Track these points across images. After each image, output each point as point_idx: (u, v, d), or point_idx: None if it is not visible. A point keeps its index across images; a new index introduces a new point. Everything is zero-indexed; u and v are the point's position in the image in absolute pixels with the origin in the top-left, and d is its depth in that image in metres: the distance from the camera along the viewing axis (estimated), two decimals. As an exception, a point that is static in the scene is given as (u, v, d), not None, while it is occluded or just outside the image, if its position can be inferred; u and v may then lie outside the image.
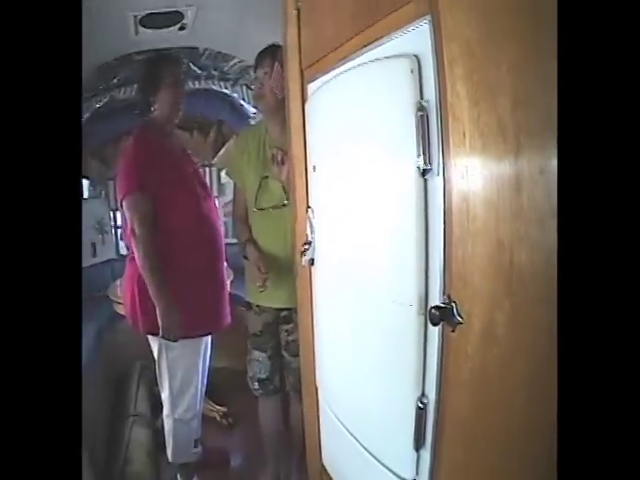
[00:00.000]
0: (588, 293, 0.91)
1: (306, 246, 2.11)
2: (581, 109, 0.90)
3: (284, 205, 2.79)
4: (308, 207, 2.13)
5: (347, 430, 1.88)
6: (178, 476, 3.22)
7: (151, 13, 3.31)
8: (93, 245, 5.65)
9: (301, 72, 2.12)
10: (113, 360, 4.69)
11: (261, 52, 2.87)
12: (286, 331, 3.00)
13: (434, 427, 1.37)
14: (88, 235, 5.55)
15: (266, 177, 2.87)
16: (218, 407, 4.28)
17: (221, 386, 4.40)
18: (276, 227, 2.85)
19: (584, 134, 0.90)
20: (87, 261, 5.48)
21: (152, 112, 2.90)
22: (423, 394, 1.38)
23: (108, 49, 3.88)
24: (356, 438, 1.79)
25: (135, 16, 3.31)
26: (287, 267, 2.70)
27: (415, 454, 1.43)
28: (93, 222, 5.62)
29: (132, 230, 2.66)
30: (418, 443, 1.41)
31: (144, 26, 3.49)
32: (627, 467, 0.87)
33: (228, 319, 3.06)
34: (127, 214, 2.70)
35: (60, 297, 1.11)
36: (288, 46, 2.19)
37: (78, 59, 1.18)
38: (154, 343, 2.93)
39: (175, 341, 2.71)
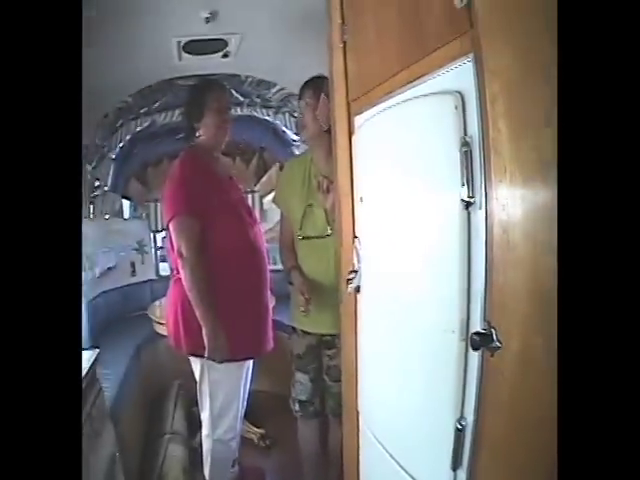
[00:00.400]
0: (588, 302, 0.97)
1: (352, 274, 2.16)
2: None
3: (327, 235, 2.89)
4: (355, 237, 2.17)
5: (386, 451, 1.91)
6: None
7: (195, 40, 3.39)
8: (132, 265, 5.78)
9: (347, 104, 2.18)
10: (151, 378, 4.79)
11: (305, 83, 2.97)
12: (328, 356, 3.07)
13: (471, 448, 1.41)
14: (128, 255, 5.68)
15: (310, 205, 2.98)
16: (256, 429, 4.34)
17: (260, 409, 4.45)
18: (319, 255, 2.97)
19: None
20: (126, 280, 5.64)
21: (197, 137, 3.00)
22: (462, 416, 1.43)
23: (151, 73, 3.97)
24: (395, 459, 1.83)
25: (179, 42, 3.39)
26: (330, 293, 2.77)
27: (452, 474, 1.48)
28: (133, 242, 5.73)
29: (179, 252, 2.72)
30: (455, 463, 1.46)
31: (188, 52, 3.57)
32: (627, 468, 0.91)
33: (271, 344, 3.11)
34: (174, 236, 2.76)
35: (60, 302, 1.12)
36: (334, 78, 2.24)
37: (78, 66, 1.22)
38: (196, 364, 2.99)
39: (220, 362, 2.76)
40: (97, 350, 2.77)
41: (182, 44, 3.45)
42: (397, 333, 1.84)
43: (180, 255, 2.72)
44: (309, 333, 3.14)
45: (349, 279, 2.18)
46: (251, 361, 3.15)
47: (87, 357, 2.63)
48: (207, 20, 3.07)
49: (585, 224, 0.98)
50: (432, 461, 1.60)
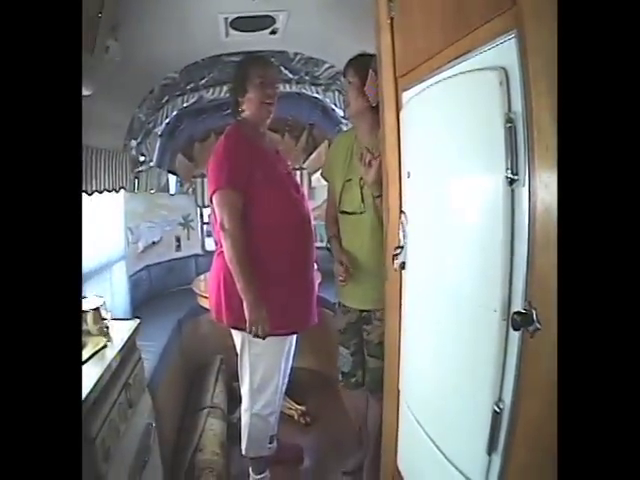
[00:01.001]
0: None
1: (398, 250, 2.19)
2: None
3: (361, 213, 2.99)
4: (401, 212, 2.20)
5: (424, 431, 1.96)
6: (250, 469, 3.34)
7: (242, 16, 3.39)
8: (178, 239, 5.92)
9: (395, 80, 2.20)
10: (192, 352, 4.89)
11: (349, 62, 3.03)
12: (366, 331, 3.16)
13: (507, 432, 1.43)
14: (173, 230, 5.80)
15: (349, 180, 3.08)
16: (297, 406, 4.41)
17: (301, 385, 4.54)
18: (355, 231, 3.13)
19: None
20: (171, 255, 5.78)
21: (241, 112, 3.06)
22: (500, 399, 1.45)
23: (198, 50, 4.00)
24: (432, 439, 1.87)
25: (226, 18, 3.40)
26: (365, 270, 3.05)
27: (487, 458, 1.50)
28: (179, 217, 5.84)
29: (221, 224, 2.77)
30: (491, 447, 1.48)
31: (235, 29, 3.58)
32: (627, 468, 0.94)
33: (315, 319, 3.16)
34: (217, 209, 2.81)
35: (60, 293, 1.13)
36: (382, 55, 2.26)
37: (78, 55, 1.24)
38: (237, 337, 3.06)
39: (262, 337, 2.80)
40: (138, 320, 2.87)
41: (229, 21, 3.45)
42: (439, 310, 1.87)
43: (222, 227, 2.78)
44: (349, 309, 3.27)
45: (395, 255, 2.21)
46: (294, 336, 3.21)
47: (127, 327, 2.74)
48: (254, -4, 3.07)
49: (586, 224, 1.03)
50: (467, 443, 1.63)
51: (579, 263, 1.04)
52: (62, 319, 1.12)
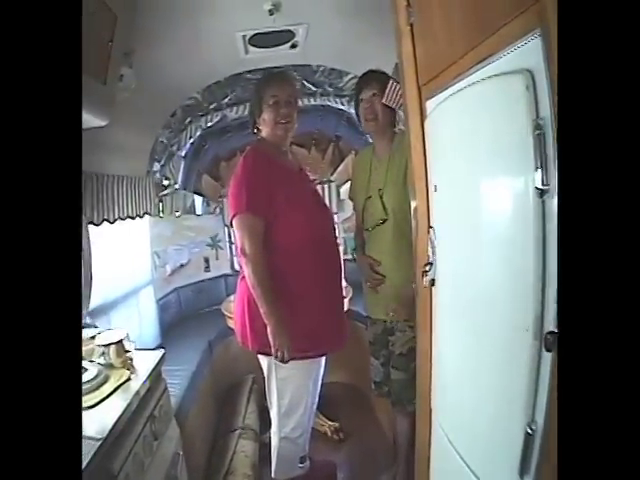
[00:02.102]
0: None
1: (427, 267, 2.14)
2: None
3: (383, 221, 3.03)
4: (430, 227, 2.15)
5: (456, 451, 1.91)
6: None
7: (261, 33, 3.38)
8: (206, 260, 5.91)
9: (418, 89, 2.16)
10: (224, 373, 4.88)
11: (359, 79, 3.15)
12: (390, 342, 3.19)
13: (539, 454, 1.38)
14: (202, 251, 5.81)
15: (369, 197, 3.09)
16: (329, 422, 4.37)
17: (334, 400, 4.52)
18: (377, 241, 3.18)
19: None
20: (200, 276, 5.77)
21: (259, 132, 3.04)
22: (533, 420, 1.40)
23: (217, 69, 4.01)
24: (464, 460, 1.82)
25: (244, 36, 3.39)
26: (389, 280, 3.11)
27: (519, 480, 1.45)
28: (206, 238, 5.85)
29: (242, 250, 2.73)
30: (523, 469, 1.43)
31: (254, 45, 3.57)
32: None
33: (344, 340, 3.10)
34: (237, 233, 2.78)
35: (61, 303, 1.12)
36: (404, 61, 2.22)
37: (78, 67, 1.22)
38: (264, 361, 3.01)
39: (286, 362, 2.75)
40: (162, 350, 2.84)
41: (247, 38, 3.44)
42: (470, 329, 1.82)
43: (243, 253, 2.75)
44: (375, 320, 3.33)
45: (424, 271, 2.16)
46: (323, 358, 3.15)
47: (152, 357, 2.71)
48: (271, 12, 3.04)
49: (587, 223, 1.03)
50: (499, 465, 1.59)
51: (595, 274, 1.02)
52: (60, 349, 1.11)
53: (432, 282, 2.14)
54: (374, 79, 2.99)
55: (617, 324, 0.99)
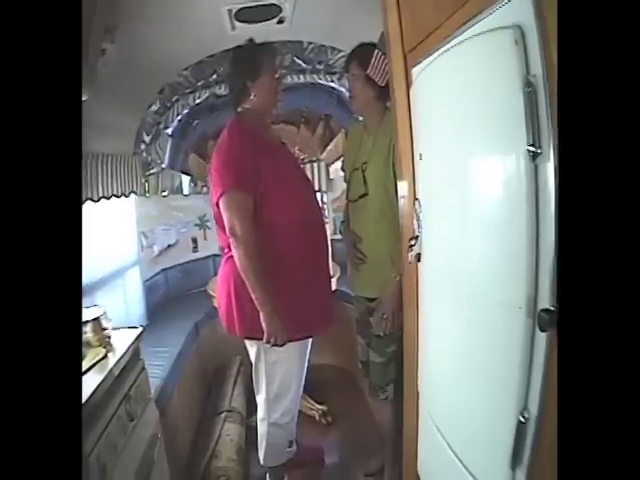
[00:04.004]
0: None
1: (413, 241, 2.06)
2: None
3: (363, 195, 2.96)
4: (415, 199, 2.07)
5: (444, 440, 1.84)
6: (267, 476, 3.24)
7: (247, 7, 3.27)
8: (194, 241, 5.87)
9: (404, 56, 2.09)
10: (210, 354, 4.86)
11: (349, 54, 3.05)
12: (370, 322, 3.07)
13: (532, 445, 1.30)
14: (189, 231, 5.77)
15: (355, 170, 3.03)
16: (318, 406, 4.29)
17: (322, 383, 4.47)
18: (359, 216, 3.06)
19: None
20: (187, 257, 5.75)
21: (250, 99, 2.84)
22: (525, 407, 1.31)
23: (204, 46, 3.92)
24: (452, 449, 1.75)
25: (230, 10, 3.28)
26: (371, 256, 2.98)
27: (510, 473, 1.37)
28: (194, 218, 5.79)
29: (231, 231, 2.59)
30: (515, 461, 1.35)
31: (241, 21, 3.47)
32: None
33: (331, 320, 3.02)
34: (225, 213, 2.62)
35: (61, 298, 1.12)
36: (390, 31, 2.14)
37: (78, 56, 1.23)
38: (251, 347, 2.92)
39: (281, 346, 2.66)
40: (140, 328, 2.74)
41: (233, 13, 3.34)
42: (459, 307, 1.73)
43: (233, 234, 2.59)
44: (359, 299, 3.22)
45: (410, 246, 2.09)
46: (310, 339, 3.06)
47: (131, 335, 2.62)
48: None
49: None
50: (489, 456, 1.51)
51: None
52: (62, 327, 1.12)
53: (418, 257, 2.06)
54: (361, 53, 2.87)
55: (620, 302, 0.94)
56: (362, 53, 2.83)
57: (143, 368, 2.69)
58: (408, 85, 2.08)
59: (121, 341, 2.52)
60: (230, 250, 2.68)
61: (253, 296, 2.59)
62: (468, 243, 1.61)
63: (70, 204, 1.15)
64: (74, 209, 1.18)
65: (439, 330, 1.95)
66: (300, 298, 2.78)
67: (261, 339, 2.66)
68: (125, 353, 2.44)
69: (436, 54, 1.73)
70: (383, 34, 2.30)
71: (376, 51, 2.64)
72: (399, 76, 2.13)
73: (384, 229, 2.78)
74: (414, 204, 2.06)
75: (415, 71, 1.98)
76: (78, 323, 1.34)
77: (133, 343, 2.57)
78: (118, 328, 2.65)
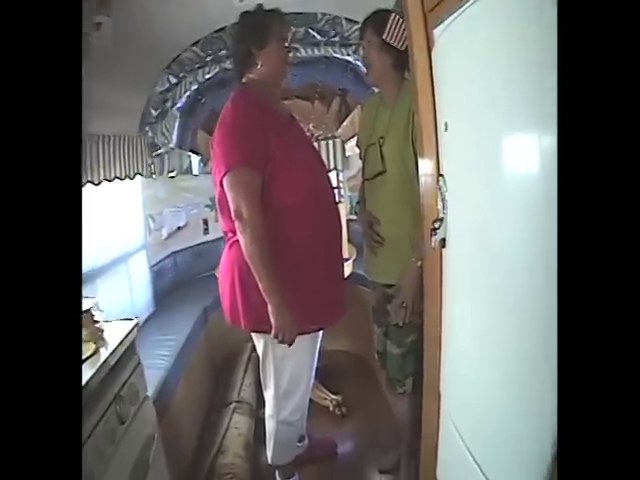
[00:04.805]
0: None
1: (436, 223, 1.87)
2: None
3: (380, 173, 2.76)
4: (439, 175, 1.88)
5: (467, 448, 1.69)
6: (276, 473, 3.11)
7: None
8: (205, 222, 5.86)
9: (424, 16, 1.91)
10: (219, 341, 4.73)
11: (364, 21, 2.84)
12: (388, 311, 2.91)
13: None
14: (200, 213, 5.70)
15: (371, 144, 2.83)
16: (332, 396, 4.13)
17: (337, 370, 4.40)
18: (376, 195, 2.88)
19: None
20: (198, 239, 5.78)
21: (256, 68, 2.65)
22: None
23: (210, 20, 3.79)
24: (475, 460, 1.60)
25: (236, -20, 3.13)
26: (389, 239, 2.79)
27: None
28: (205, 199, 5.69)
29: (237, 213, 2.40)
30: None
31: (248, -9, 3.34)
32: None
33: (344, 310, 2.85)
34: (230, 193, 2.43)
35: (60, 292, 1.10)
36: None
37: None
38: (258, 340, 2.76)
39: (289, 344, 2.49)
40: (135, 320, 2.56)
41: None
42: (489, 300, 1.53)
43: (239, 217, 2.39)
44: (376, 285, 3.04)
45: (433, 229, 1.89)
46: (321, 331, 2.92)
47: (125, 328, 2.45)
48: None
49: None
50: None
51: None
52: (61, 317, 1.10)
53: (442, 242, 1.86)
54: (376, 19, 2.69)
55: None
56: (377, 18, 2.65)
57: (138, 364, 2.52)
58: (429, 48, 1.88)
59: (115, 335, 2.34)
60: (235, 235, 2.50)
61: (260, 286, 2.41)
62: (502, 226, 1.40)
63: (69, 188, 1.14)
64: (73, 193, 1.16)
65: (465, 324, 1.77)
66: (311, 287, 2.60)
67: (268, 332, 2.48)
68: (117, 348, 2.26)
69: (460, 10, 1.50)
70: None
71: (393, 14, 2.48)
72: (419, 39, 1.93)
73: (403, 210, 2.62)
74: (438, 182, 1.86)
75: (437, 32, 1.78)
76: (78, 313, 1.39)
77: (127, 337, 2.39)
78: (110, 321, 2.47)
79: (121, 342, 2.31)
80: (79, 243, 1.25)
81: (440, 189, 1.83)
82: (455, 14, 1.56)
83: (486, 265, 1.51)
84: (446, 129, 1.76)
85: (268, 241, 2.41)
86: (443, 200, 1.81)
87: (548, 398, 1.10)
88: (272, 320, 2.42)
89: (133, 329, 2.47)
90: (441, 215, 1.84)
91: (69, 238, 1.13)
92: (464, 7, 1.47)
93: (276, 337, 2.45)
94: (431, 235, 1.90)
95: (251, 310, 2.55)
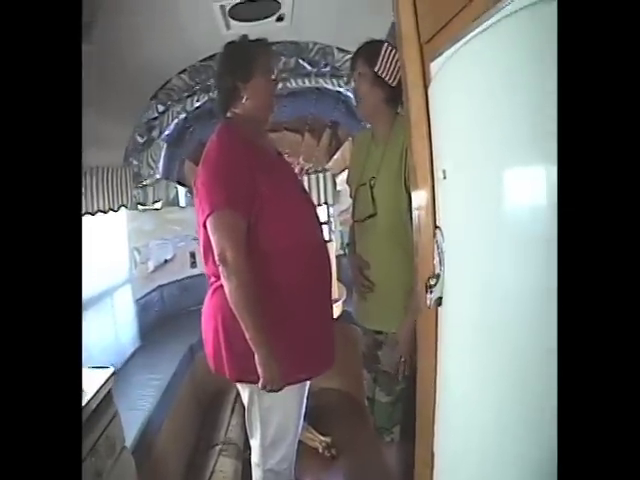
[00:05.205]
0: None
1: (433, 280, 1.74)
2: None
3: (371, 216, 2.68)
4: (436, 227, 1.76)
5: None
6: None
7: (241, 2, 3.09)
8: (192, 255, 5.84)
9: (420, 48, 1.82)
10: (205, 379, 4.59)
11: (356, 52, 2.78)
12: (378, 357, 2.86)
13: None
14: (188, 245, 5.78)
15: (362, 185, 2.78)
16: (321, 437, 4.10)
17: (326, 410, 4.39)
18: (366, 239, 2.83)
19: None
20: (185, 272, 5.78)
21: (241, 103, 2.57)
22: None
23: (197, 48, 3.76)
24: None
25: (222, 7, 3.09)
26: (378, 284, 2.72)
27: None
28: (192, 232, 5.57)
29: (222, 258, 2.30)
30: None
31: (236, 19, 3.30)
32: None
33: (333, 359, 2.75)
34: (214, 236, 2.33)
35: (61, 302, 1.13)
36: (401, 19, 1.87)
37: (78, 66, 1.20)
38: (244, 389, 2.63)
39: (277, 391, 2.38)
40: (111, 369, 2.51)
41: (227, 9, 3.17)
42: (489, 362, 1.40)
43: (223, 261, 2.29)
44: (366, 331, 2.95)
45: (429, 286, 1.76)
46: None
47: (101, 377, 2.38)
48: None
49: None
50: None
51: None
52: (61, 342, 1.13)
53: (439, 301, 1.74)
54: (368, 50, 2.64)
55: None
56: (370, 49, 2.60)
57: (115, 414, 2.43)
58: (425, 83, 1.78)
59: (90, 384, 2.24)
60: (218, 279, 2.39)
61: (247, 335, 2.29)
62: (503, 284, 1.28)
63: (69, 218, 1.17)
64: (73, 223, 1.21)
65: (460, 383, 1.63)
66: (300, 335, 2.49)
67: (255, 383, 2.37)
68: (92, 398, 2.17)
69: (460, 43, 1.39)
70: (394, 24, 2.00)
71: (385, 44, 2.44)
72: (414, 73, 1.84)
73: (395, 254, 2.56)
74: (434, 234, 1.75)
75: (434, 65, 1.66)
76: (79, 338, 1.23)
77: (102, 386, 2.30)
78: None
79: (96, 392, 2.22)
80: (79, 269, 1.25)
81: (437, 242, 1.72)
82: (456, 46, 1.44)
83: (487, 322, 1.38)
84: (444, 177, 1.64)
85: (254, 287, 2.30)
86: (440, 254, 1.69)
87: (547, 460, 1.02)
88: (260, 371, 2.32)
89: (110, 378, 2.40)
90: (437, 271, 1.72)
91: (69, 264, 1.15)
92: (467, 38, 1.35)
93: (264, 388, 2.35)
94: (426, 292, 1.77)
95: (236, 359, 2.44)
